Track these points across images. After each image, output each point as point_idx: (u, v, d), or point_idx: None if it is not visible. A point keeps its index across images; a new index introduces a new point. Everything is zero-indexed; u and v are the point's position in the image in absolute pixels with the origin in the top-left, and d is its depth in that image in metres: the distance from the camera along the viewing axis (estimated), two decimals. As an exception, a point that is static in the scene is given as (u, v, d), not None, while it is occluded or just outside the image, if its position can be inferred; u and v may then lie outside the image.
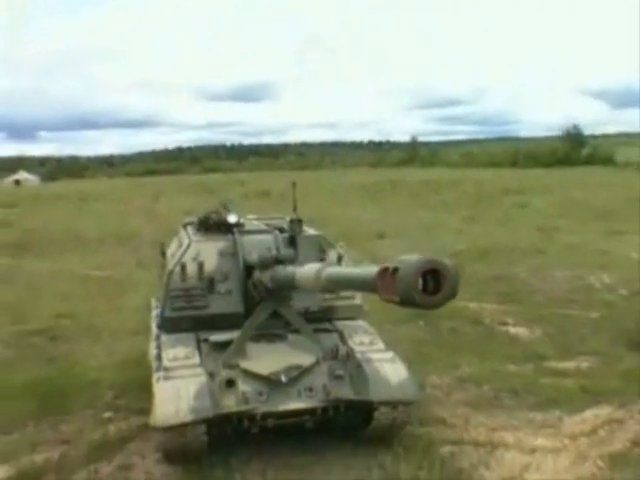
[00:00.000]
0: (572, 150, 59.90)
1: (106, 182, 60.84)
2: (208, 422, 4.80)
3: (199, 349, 5.46)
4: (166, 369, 5.13)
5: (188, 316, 5.72)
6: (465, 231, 18.68)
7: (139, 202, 32.03)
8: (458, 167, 58.57)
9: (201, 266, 5.77)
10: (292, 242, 5.88)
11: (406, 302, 2.91)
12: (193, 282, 5.75)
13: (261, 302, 5.44)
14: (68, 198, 35.48)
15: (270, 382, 5.07)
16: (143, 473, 5.21)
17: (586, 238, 16.26)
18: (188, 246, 5.92)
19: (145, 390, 5.82)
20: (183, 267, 5.73)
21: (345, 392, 5.18)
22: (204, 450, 5.01)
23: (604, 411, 6.13)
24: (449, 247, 15.02)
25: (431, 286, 2.88)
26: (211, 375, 5.09)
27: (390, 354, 5.47)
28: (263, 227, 6.41)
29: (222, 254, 5.88)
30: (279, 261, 5.05)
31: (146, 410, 5.50)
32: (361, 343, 5.60)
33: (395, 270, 2.92)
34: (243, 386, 5.06)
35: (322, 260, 5.68)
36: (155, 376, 5.25)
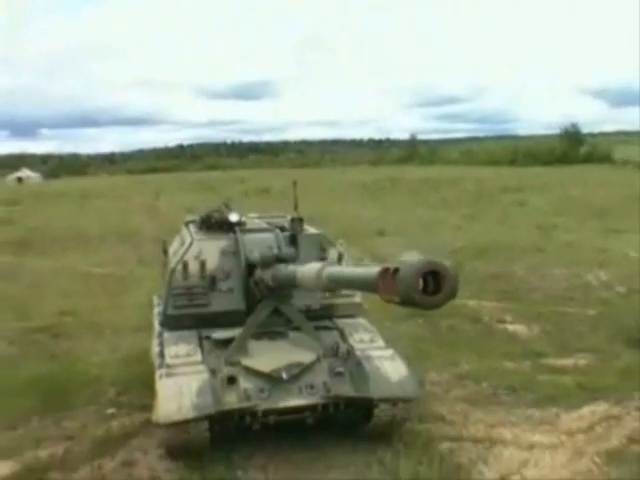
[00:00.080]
0: (570, 148, 59.81)
1: (107, 179, 60.80)
2: (210, 419, 4.86)
3: (201, 346, 5.52)
4: (168, 366, 5.18)
5: (190, 314, 5.77)
6: (464, 229, 18.73)
7: (140, 199, 32.02)
8: (457, 165, 58.52)
9: (203, 264, 5.82)
10: (293, 241, 5.95)
11: (406, 302, 2.95)
12: (195, 280, 5.81)
13: (262, 300, 5.50)
14: (70, 195, 35.48)
15: (271, 379, 5.13)
16: (146, 469, 5.26)
17: (584, 236, 16.31)
18: (190, 244, 5.98)
19: (147, 386, 5.89)
20: (185, 265, 5.79)
21: (345, 389, 5.24)
22: (206, 446, 5.07)
23: (601, 408, 6.19)
24: (448, 245, 15.08)
25: (431, 287, 2.92)
26: (213, 372, 5.15)
27: (390, 351, 5.52)
28: (264, 226, 6.46)
29: (224, 252, 5.94)
30: (280, 260, 5.12)
31: (149, 406, 5.56)
32: (361, 341, 5.65)
33: (396, 271, 2.96)
34: (245, 383, 5.11)
35: (323, 258, 5.73)
36: (158, 373, 5.30)
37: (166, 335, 5.74)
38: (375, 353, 5.43)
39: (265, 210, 7.99)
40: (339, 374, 5.29)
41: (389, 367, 5.27)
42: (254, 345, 5.44)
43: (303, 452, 5.33)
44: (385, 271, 3.07)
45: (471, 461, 5.26)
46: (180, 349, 5.40)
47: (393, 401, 5.20)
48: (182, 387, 4.89)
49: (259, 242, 5.83)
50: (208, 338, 5.62)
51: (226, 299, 5.82)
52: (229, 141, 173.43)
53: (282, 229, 6.22)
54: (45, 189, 44.24)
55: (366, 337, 5.72)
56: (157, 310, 6.92)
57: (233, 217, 6.26)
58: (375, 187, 34.55)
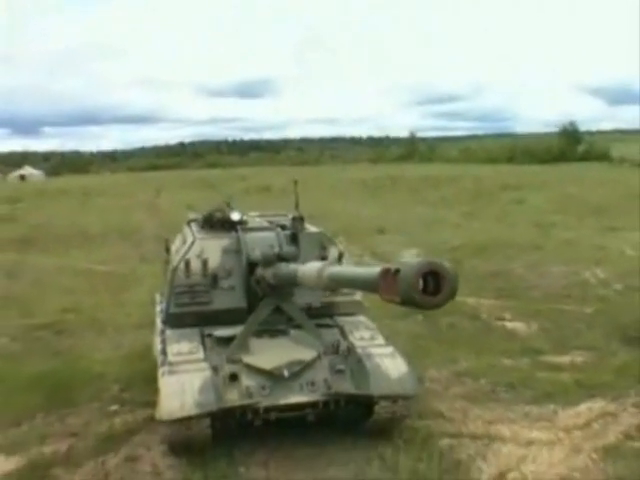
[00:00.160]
0: (568, 146, 59.81)
1: (109, 177, 60.83)
2: (212, 415, 4.91)
3: (203, 344, 5.57)
4: (171, 364, 5.23)
5: (192, 312, 5.83)
6: (463, 227, 18.75)
7: (142, 197, 32.08)
8: (456, 163, 58.50)
9: (205, 263, 5.87)
10: (294, 239, 6.00)
11: (407, 302, 2.99)
12: (197, 278, 5.85)
13: (264, 298, 5.54)
14: (72, 193, 35.53)
15: (273, 376, 5.17)
16: (149, 465, 5.32)
17: (582, 234, 16.33)
18: (192, 243, 6.03)
19: (150, 383, 5.93)
20: (187, 264, 5.84)
21: (346, 386, 5.29)
22: (208, 443, 5.13)
23: (598, 404, 6.24)
24: (448, 242, 15.15)
25: (431, 287, 2.96)
26: (215, 369, 5.19)
27: (390, 349, 5.57)
28: (266, 225, 6.52)
29: (226, 251, 5.99)
30: (281, 258, 5.17)
31: (151, 403, 5.61)
32: (362, 338, 5.70)
33: (396, 271, 3.00)
34: (246, 380, 5.16)
35: (323, 257, 5.79)
36: (160, 370, 5.34)
37: (168, 333, 5.79)
38: (375, 351, 5.48)
39: (266, 208, 8.04)
40: (340, 371, 5.34)
41: (389, 364, 5.32)
42: (255, 343, 5.49)
43: (304, 448, 5.38)
44: (386, 271, 3.11)
45: (470, 457, 5.31)
46: (182, 347, 5.45)
47: (393, 398, 5.24)
48: (184, 384, 4.94)
49: (260, 241, 5.89)
50: (210, 336, 5.67)
51: (228, 297, 5.87)
52: (230, 139, 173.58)
53: (283, 228, 6.27)
54: (47, 187, 44.26)
55: (366, 335, 5.76)
56: (159, 308, 6.98)
57: (235, 216, 6.32)
58: (375, 185, 34.57)
